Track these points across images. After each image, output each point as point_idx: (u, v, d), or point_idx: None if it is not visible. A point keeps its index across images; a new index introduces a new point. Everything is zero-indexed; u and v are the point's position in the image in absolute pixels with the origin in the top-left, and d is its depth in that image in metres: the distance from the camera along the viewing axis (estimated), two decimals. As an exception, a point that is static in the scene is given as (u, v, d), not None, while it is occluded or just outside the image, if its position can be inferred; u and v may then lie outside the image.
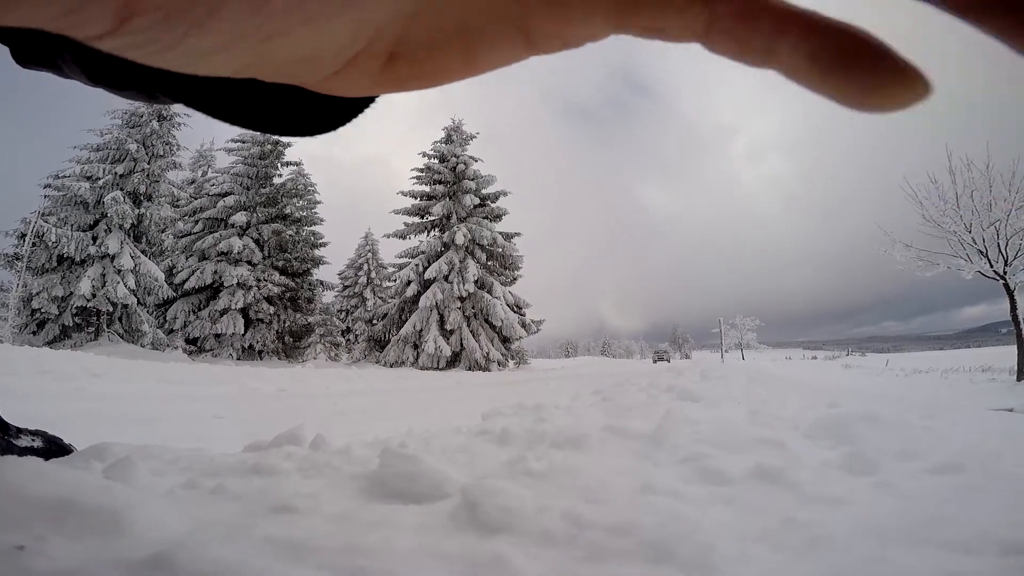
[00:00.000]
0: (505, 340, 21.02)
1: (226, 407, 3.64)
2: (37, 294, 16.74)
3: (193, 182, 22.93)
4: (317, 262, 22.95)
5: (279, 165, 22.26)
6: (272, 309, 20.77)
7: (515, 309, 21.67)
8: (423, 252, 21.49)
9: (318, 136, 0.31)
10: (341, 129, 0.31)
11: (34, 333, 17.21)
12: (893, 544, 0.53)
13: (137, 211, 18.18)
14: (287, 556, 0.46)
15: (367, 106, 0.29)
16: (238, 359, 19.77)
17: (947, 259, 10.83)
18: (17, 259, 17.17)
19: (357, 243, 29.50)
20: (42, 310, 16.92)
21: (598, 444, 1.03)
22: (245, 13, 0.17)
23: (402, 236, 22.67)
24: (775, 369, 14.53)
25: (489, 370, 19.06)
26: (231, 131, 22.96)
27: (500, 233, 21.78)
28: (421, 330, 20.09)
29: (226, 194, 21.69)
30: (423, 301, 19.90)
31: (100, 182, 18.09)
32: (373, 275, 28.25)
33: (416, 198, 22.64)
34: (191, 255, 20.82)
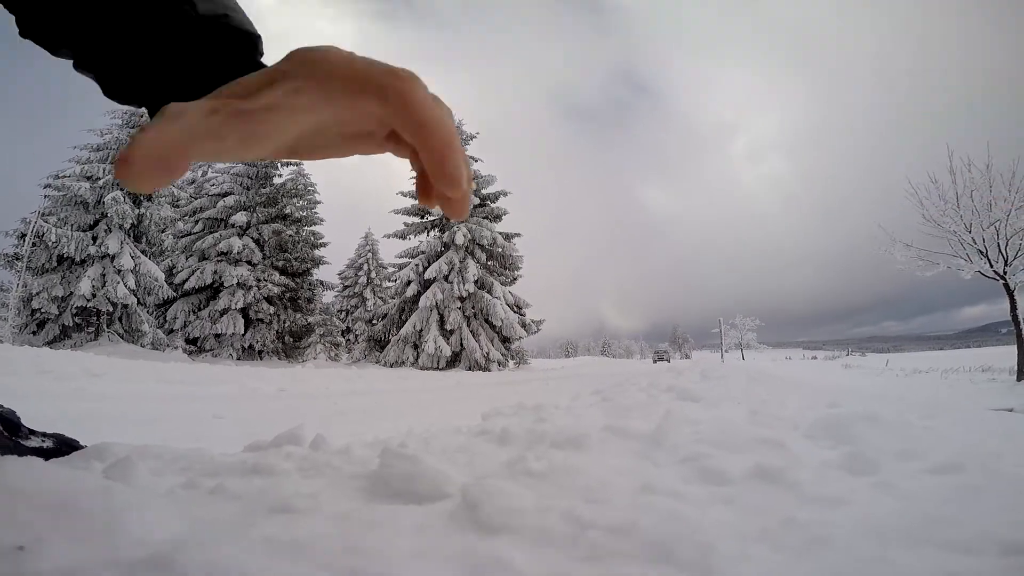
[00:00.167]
0: (505, 340, 21.03)
1: (226, 407, 3.64)
2: (37, 294, 16.74)
3: (193, 182, 22.92)
4: (317, 262, 22.97)
5: (279, 165, 22.26)
6: (272, 309, 20.78)
7: (515, 309, 21.68)
8: (423, 252, 21.51)
9: None
10: None
11: (34, 333, 17.22)
12: (893, 544, 0.53)
13: (137, 211, 18.18)
14: (287, 556, 0.46)
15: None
16: (238, 359, 19.78)
17: (947, 259, 10.84)
18: (17, 259, 17.18)
19: (357, 243, 29.57)
20: (42, 310, 16.92)
21: (598, 444, 1.03)
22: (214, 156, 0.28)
23: (402, 236, 22.70)
24: (775, 369, 14.52)
25: (489, 370, 19.06)
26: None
27: (500, 233, 21.79)
28: (421, 330, 20.09)
29: (226, 194, 21.72)
30: (423, 301, 19.91)
31: (100, 182, 18.10)
32: (373, 275, 28.27)
33: (416, 198, 22.64)
34: (191, 255, 20.83)
